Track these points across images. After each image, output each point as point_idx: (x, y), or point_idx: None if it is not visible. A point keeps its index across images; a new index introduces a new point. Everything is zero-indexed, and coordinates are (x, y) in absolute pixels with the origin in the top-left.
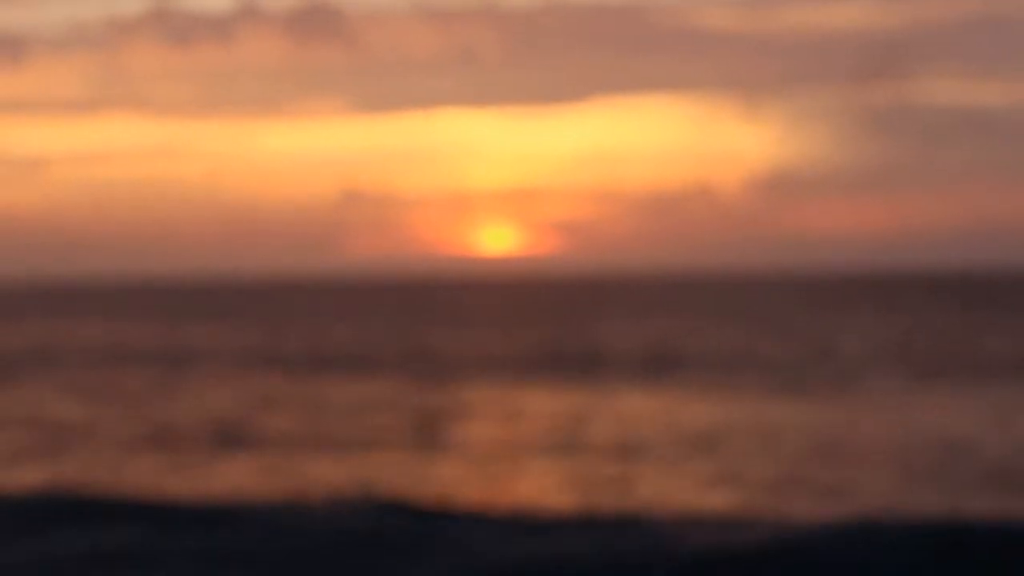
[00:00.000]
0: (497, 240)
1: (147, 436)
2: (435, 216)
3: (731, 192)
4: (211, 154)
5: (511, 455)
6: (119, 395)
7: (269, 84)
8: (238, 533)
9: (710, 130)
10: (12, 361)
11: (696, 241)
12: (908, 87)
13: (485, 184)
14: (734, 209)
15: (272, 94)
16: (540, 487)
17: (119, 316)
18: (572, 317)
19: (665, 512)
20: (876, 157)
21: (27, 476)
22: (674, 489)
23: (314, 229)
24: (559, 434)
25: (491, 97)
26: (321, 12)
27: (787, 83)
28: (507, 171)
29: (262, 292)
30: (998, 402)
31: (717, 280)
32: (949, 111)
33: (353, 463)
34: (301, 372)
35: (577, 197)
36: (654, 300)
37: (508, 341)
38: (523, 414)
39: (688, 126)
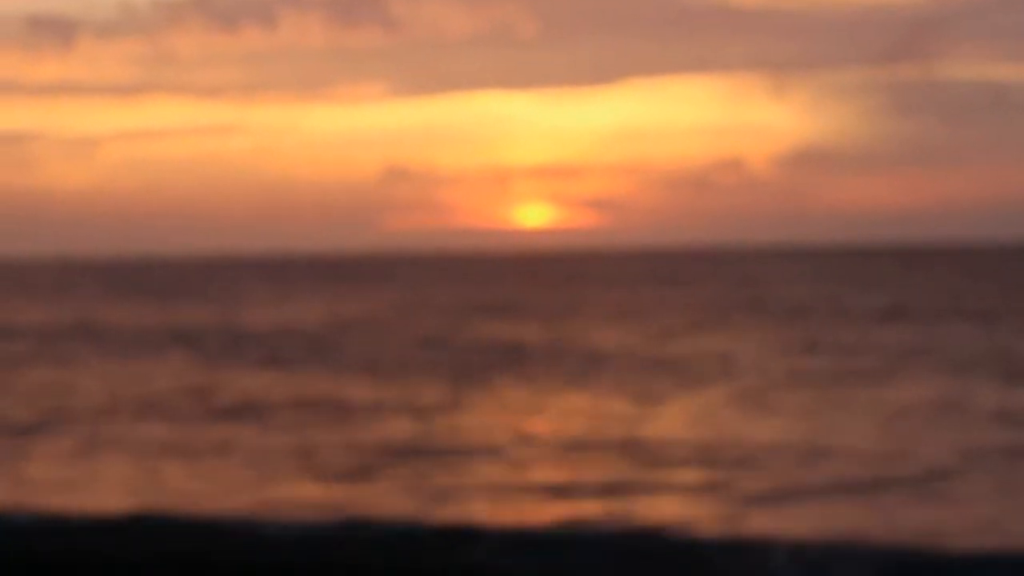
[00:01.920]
0: (534, 216)
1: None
2: (474, 193)
3: (760, 169)
4: (256, 135)
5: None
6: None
7: (312, 66)
8: None
9: (740, 109)
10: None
11: (725, 216)
12: (933, 66)
13: (522, 162)
14: (763, 185)
15: (315, 76)
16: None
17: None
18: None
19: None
20: (902, 134)
21: None
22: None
23: (358, 206)
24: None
25: (528, 78)
26: None
27: (814, 62)
28: (543, 149)
29: (313, 267)
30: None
31: (745, 253)
32: (974, 89)
33: None
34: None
35: (611, 174)
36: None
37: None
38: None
39: (719, 105)
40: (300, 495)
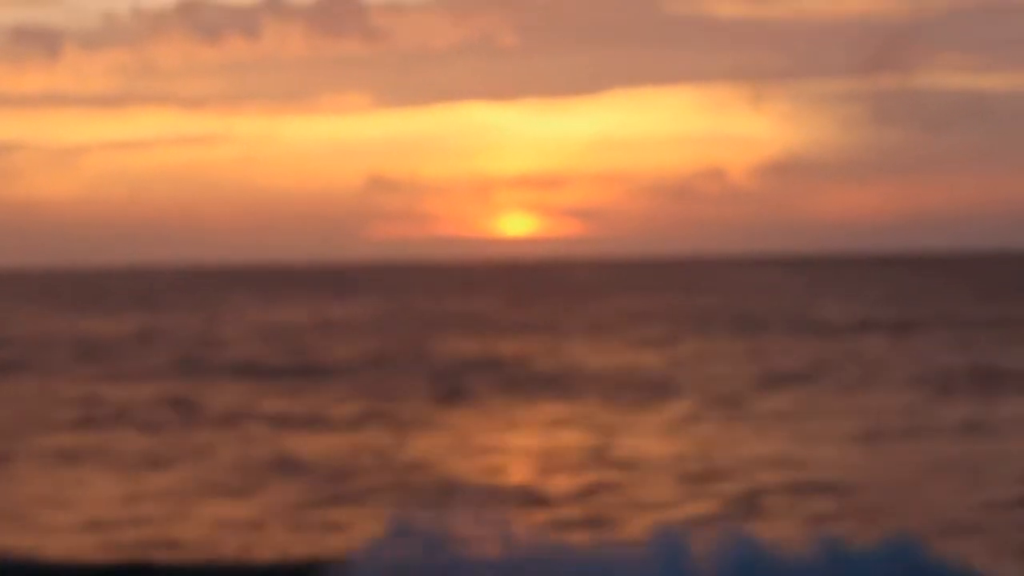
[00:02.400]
0: (516, 225)
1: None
2: (457, 203)
3: (741, 179)
4: (240, 145)
5: None
6: None
7: (295, 77)
8: None
9: (721, 119)
10: None
11: (707, 225)
12: (912, 76)
13: (505, 172)
14: (744, 195)
15: (298, 87)
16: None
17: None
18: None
19: None
20: (881, 144)
21: None
22: None
23: (341, 216)
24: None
25: (510, 89)
26: (343, 4)
27: (795, 72)
28: (526, 160)
29: (295, 275)
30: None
31: (727, 262)
32: (953, 99)
33: None
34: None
35: (593, 184)
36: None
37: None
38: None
39: (700, 116)
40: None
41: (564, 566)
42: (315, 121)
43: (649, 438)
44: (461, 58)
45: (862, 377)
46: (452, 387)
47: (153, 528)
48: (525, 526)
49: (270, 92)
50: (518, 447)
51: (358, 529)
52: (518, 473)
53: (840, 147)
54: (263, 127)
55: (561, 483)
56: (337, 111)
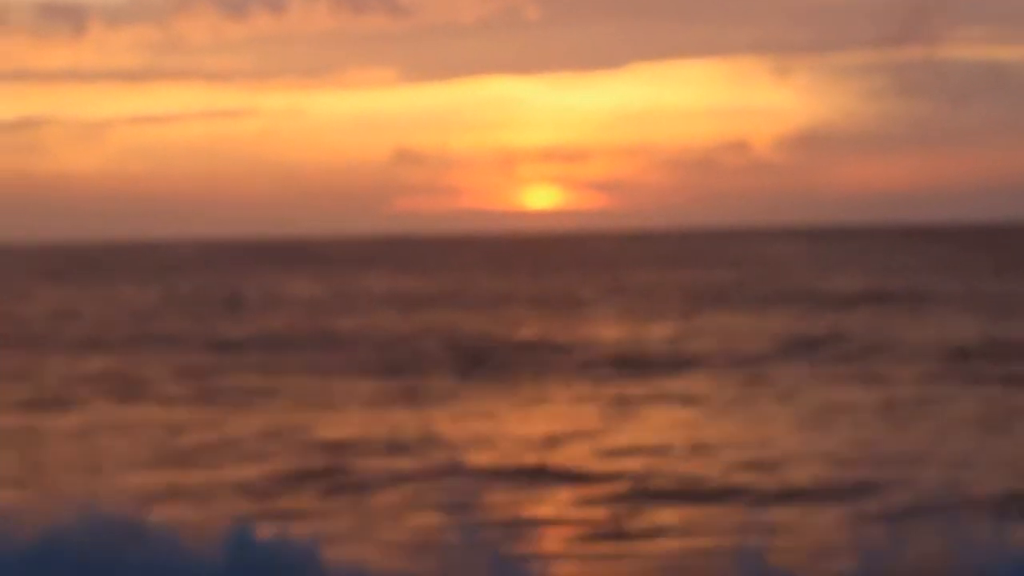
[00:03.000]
0: (541, 198)
1: None
2: (482, 176)
3: (765, 151)
4: (265, 119)
5: None
6: None
7: (320, 52)
8: None
9: (745, 92)
10: None
11: (730, 197)
12: (935, 47)
13: (529, 145)
14: (767, 167)
15: (323, 62)
16: None
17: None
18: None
19: None
20: (904, 116)
21: None
22: None
23: (366, 190)
24: None
25: (534, 63)
26: None
27: (818, 45)
28: (550, 133)
29: (321, 250)
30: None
31: (750, 234)
32: (975, 70)
33: None
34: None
35: (617, 156)
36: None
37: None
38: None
39: (724, 89)
40: None
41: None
42: (341, 96)
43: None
44: (486, 32)
45: (867, 349)
46: (471, 363)
47: None
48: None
49: (296, 67)
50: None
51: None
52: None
53: (863, 119)
54: (289, 102)
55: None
56: (362, 86)
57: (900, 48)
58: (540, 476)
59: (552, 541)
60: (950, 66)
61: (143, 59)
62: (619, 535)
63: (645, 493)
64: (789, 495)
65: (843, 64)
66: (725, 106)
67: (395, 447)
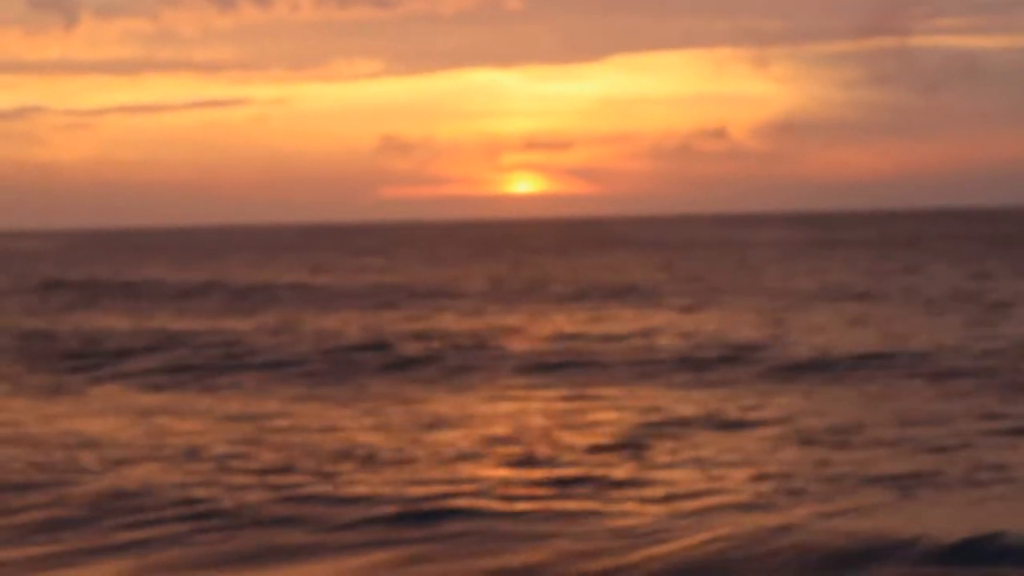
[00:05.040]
0: (523, 185)
1: None
2: (466, 164)
3: (742, 139)
4: (253, 109)
5: None
6: None
7: (307, 44)
8: None
9: (723, 83)
10: None
11: (708, 184)
12: (908, 38)
13: (512, 134)
14: (744, 155)
15: (310, 53)
16: None
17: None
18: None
19: None
20: (879, 104)
21: None
22: None
23: (353, 178)
24: None
25: (517, 54)
26: None
27: (794, 36)
28: (533, 122)
29: (307, 236)
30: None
31: (727, 219)
32: (947, 60)
33: None
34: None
35: (599, 145)
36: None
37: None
38: None
39: (702, 80)
40: None
41: None
42: (327, 86)
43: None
44: (469, 24)
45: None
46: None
47: None
48: None
49: (283, 58)
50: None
51: None
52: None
53: (839, 108)
54: (277, 92)
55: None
56: (348, 77)
57: (874, 38)
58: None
59: None
60: (923, 55)
61: (133, 50)
62: None
63: None
64: None
65: (819, 54)
66: (703, 95)
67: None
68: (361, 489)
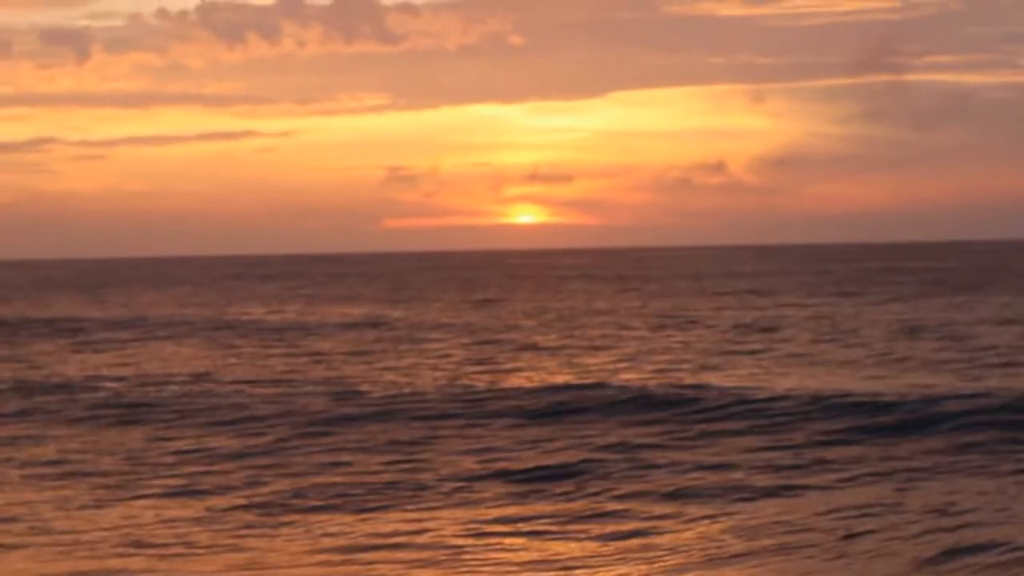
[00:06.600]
0: (526, 217)
1: None
2: (469, 196)
3: (740, 173)
4: (261, 142)
5: None
6: None
7: (313, 78)
8: None
9: (721, 119)
10: None
11: (705, 217)
12: (903, 74)
13: (515, 167)
14: (741, 189)
15: (316, 87)
16: None
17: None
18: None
19: None
20: (874, 139)
21: None
22: None
23: (359, 209)
24: None
25: (519, 88)
26: (358, 7)
27: (791, 74)
28: (535, 155)
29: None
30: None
31: (724, 251)
32: (942, 96)
33: None
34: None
35: (599, 177)
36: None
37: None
38: None
39: (701, 115)
40: None
41: None
42: (334, 120)
43: None
44: (472, 59)
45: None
46: None
47: None
48: None
49: (290, 92)
50: None
51: None
52: None
53: (834, 143)
54: (284, 125)
55: None
56: (354, 110)
57: (869, 75)
58: None
59: None
60: (917, 91)
61: (144, 84)
62: None
63: None
64: None
65: (814, 90)
66: (702, 130)
67: None
68: None
